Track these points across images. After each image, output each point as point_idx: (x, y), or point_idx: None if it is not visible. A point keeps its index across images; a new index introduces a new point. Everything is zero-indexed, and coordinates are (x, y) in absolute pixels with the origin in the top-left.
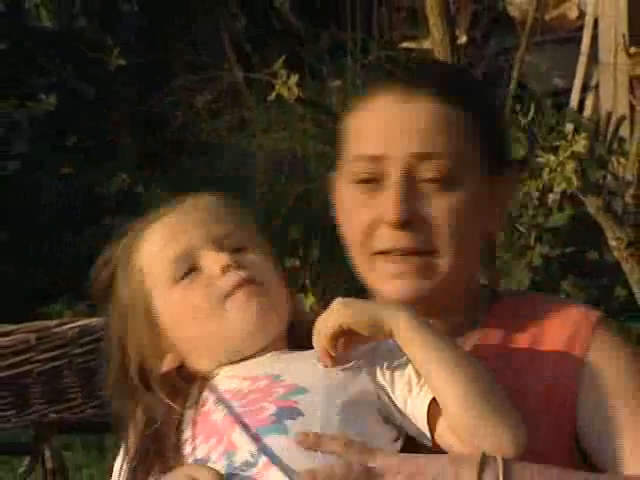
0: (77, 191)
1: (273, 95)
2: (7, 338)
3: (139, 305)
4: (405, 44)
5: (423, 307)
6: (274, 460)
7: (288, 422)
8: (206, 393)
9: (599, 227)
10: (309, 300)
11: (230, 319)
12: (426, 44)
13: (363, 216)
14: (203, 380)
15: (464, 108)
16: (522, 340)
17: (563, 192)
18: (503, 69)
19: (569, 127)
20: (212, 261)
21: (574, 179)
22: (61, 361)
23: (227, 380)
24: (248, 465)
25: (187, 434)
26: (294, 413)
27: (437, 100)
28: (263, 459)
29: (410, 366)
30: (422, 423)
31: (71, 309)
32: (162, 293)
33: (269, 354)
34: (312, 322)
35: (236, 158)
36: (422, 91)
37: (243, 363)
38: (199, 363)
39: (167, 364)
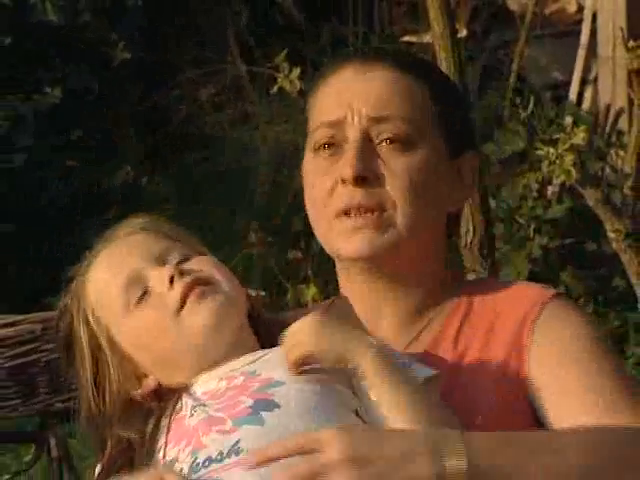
0: (82, 184)
1: (275, 88)
2: (13, 328)
3: (102, 343)
4: (406, 38)
5: (386, 284)
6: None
7: (264, 414)
8: (184, 399)
9: (598, 219)
10: (311, 291)
11: (187, 325)
12: (427, 38)
13: (325, 180)
14: (182, 390)
15: (418, 78)
16: (480, 323)
17: (562, 184)
18: (503, 62)
19: (568, 120)
20: (158, 278)
21: (573, 171)
22: None
23: (204, 384)
24: (211, 461)
25: (160, 442)
26: (270, 405)
27: (393, 69)
28: (231, 458)
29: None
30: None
31: None
32: (120, 324)
33: (243, 356)
34: (275, 322)
35: (239, 151)
36: (379, 63)
37: (218, 367)
38: (175, 378)
39: (145, 387)
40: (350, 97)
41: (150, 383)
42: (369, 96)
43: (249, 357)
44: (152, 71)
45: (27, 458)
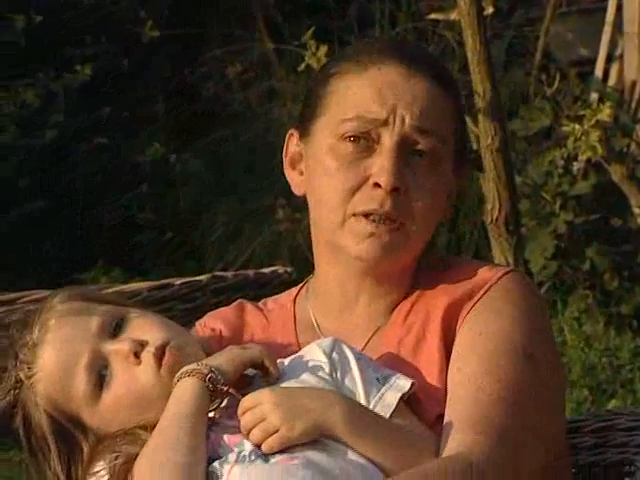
0: (112, 160)
1: (302, 66)
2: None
3: (70, 430)
4: (432, 15)
5: (372, 280)
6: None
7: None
8: None
9: (623, 194)
10: None
11: (165, 386)
12: (453, 15)
13: (349, 175)
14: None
15: (450, 96)
16: (436, 298)
17: (588, 160)
18: (529, 39)
19: (594, 96)
20: (118, 353)
21: (599, 147)
22: None
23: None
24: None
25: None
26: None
27: (434, 83)
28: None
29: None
30: None
31: (106, 275)
32: (90, 409)
33: None
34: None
35: (266, 128)
36: (423, 72)
37: None
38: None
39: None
40: (394, 100)
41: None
42: (413, 105)
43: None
44: (180, 49)
45: None
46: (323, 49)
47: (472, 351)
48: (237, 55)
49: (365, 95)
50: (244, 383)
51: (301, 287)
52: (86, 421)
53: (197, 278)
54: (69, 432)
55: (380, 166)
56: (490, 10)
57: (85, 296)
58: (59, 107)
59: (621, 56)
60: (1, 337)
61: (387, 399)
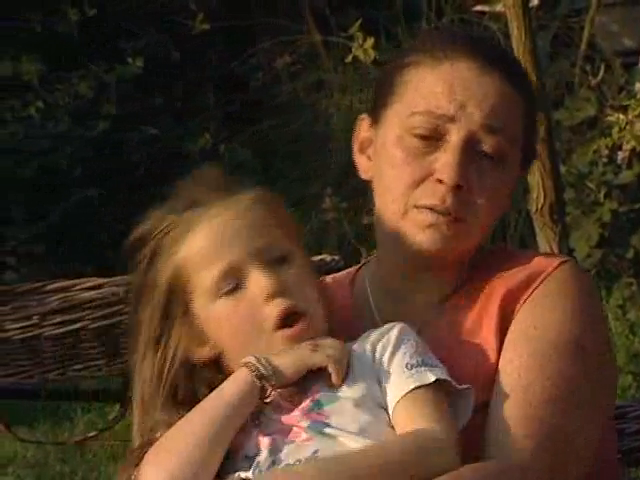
0: (163, 150)
1: (350, 58)
2: (98, 291)
3: (179, 300)
4: (478, 7)
5: (434, 271)
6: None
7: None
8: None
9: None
10: None
11: (268, 344)
12: (499, 7)
13: (415, 168)
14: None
15: (521, 95)
16: (493, 287)
17: (632, 150)
18: (574, 30)
19: (638, 86)
20: (257, 285)
21: None
22: None
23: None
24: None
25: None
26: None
27: (506, 81)
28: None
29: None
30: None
31: None
32: (204, 302)
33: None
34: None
35: (313, 118)
36: (496, 69)
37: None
38: (232, 361)
39: (203, 354)
40: (464, 97)
41: (209, 351)
42: (484, 103)
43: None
44: (230, 41)
45: (112, 416)
46: (370, 41)
47: (525, 344)
48: (285, 47)
49: (436, 89)
50: (303, 380)
51: (358, 268)
52: (193, 305)
53: None
54: (177, 301)
55: (444, 162)
56: (536, 2)
57: (271, 209)
58: (111, 98)
59: None
60: (57, 324)
61: (397, 388)
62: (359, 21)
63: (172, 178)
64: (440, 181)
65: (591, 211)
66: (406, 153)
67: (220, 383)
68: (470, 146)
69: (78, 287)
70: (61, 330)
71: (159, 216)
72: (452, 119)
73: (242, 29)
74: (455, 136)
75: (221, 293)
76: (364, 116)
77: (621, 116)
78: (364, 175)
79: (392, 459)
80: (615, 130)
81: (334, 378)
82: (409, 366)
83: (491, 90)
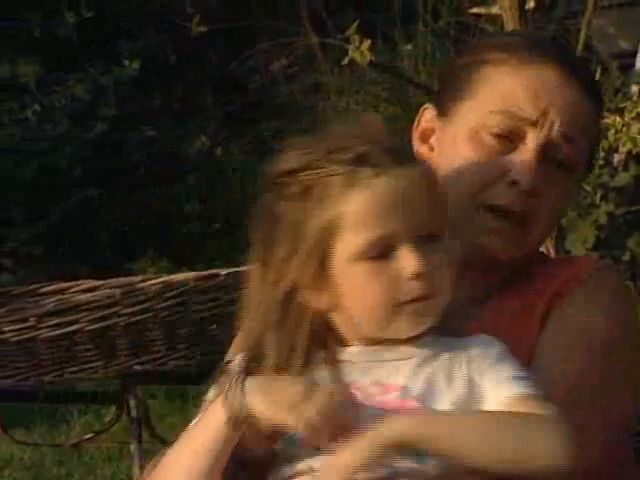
0: (162, 151)
1: (346, 60)
2: (94, 293)
3: (321, 249)
4: (475, 10)
5: (490, 264)
6: None
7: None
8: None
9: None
10: None
11: (396, 323)
12: (495, 9)
13: (489, 167)
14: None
15: (597, 105)
16: (538, 287)
17: (628, 152)
18: (570, 32)
19: (634, 89)
20: (407, 261)
21: (639, 139)
22: (145, 315)
23: (358, 371)
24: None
25: None
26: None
27: (586, 91)
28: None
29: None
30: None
31: (155, 265)
32: (344, 260)
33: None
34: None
35: (311, 120)
36: (579, 78)
37: (382, 350)
38: (345, 323)
39: (319, 303)
40: (548, 103)
41: (326, 303)
42: (566, 112)
43: (415, 360)
44: (228, 42)
45: (108, 418)
46: (366, 43)
47: (558, 342)
48: (283, 49)
49: (519, 92)
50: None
51: None
52: (328, 259)
53: (243, 268)
54: (319, 249)
55: (521, 165)
56: (532, 4)
57: (433, 185)
58: (109, 100)
59: None
60: (53, 326)
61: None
62: (356, 23)
63: (171, 179)
64: (514, 183)
65: (587, 213)
66: (480, 150)
67: (325, 337)
68: (546, 152)
69: (74, 289)
70: (57, 332)
71: (313, 155)
72: (533, 123)
73: (241, 31)
74: (534, 141)
75: (366, 257)
76: (428, 106)
77: (617, 118)
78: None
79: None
80: (611, 132)
81: (307, 442)
82: (517, 378)
83: (573, 100)
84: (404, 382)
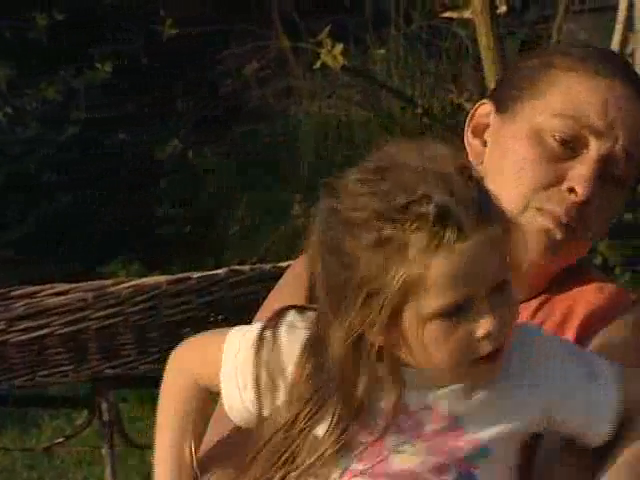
0: (134, 154)
1: (318, 63)
2: (65, 297)
3: (395, 303)
4: (447, 14)
5: (531, 269)
6: None
7: None
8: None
9: (634, 189)
10: None
11: (467, 377)
12: (467, 13)
13: (545, 171)
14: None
15: None
16: (571, 305)
17: None
18: (542, 37)
19: None
20: (482, 321)
21: None
22: (116, 319)
23: (414, 394)
24: None
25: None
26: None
27: None
28: None
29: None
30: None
31: (126, 269)
32: (419, 318)
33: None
34: None
35: (283, 124)
36: (637, 94)
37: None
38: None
39: (375, 338)
40: (615, 117)
41: (384, 341)
42: (631, 129)
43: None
44: (201, 46)
45: (79, 422)
46: (338, 47)
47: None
48: (255, 52)
49: (589, 100)
50: None
51: None
52: (401, 313)
53: (214, 272)
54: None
55: (582, 174)
56: (503, 8)
57: (507, 239)
58: (80, 103)
59: (632, 54)
60: (23, 330)
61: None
62: (328, 27)
63: (143, 182)
64: (571, 191)
65: None
66: (539, 153)
67: (375, 372)
68: (606, 165)
69: (45, 293)
70: (28, 336)
71: (390, 202)
72: (599, 134)
73: (214, 34)
74: (597, 151)
75: (440, 317)
76: (485, 101)
77: None
78: (474, 160)
79: None
80: None
81: None
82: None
83: (637, 117)
84: (453, 408)
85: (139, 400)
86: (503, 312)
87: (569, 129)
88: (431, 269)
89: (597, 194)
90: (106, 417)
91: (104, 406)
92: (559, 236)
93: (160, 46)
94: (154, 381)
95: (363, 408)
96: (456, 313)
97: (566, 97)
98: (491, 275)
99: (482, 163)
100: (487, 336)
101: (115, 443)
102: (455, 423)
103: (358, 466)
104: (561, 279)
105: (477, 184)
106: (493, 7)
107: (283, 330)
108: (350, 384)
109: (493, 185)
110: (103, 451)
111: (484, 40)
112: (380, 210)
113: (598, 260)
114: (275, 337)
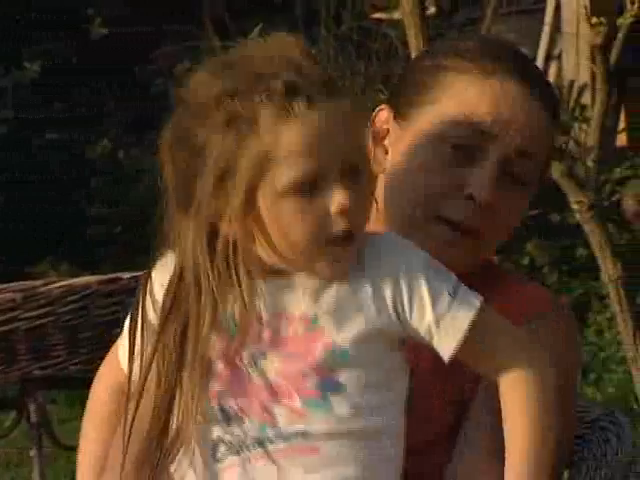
0: (64, 154)
1: None
2: None
3: (249, 179)
4: (376, 15)
5: None
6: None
7: (332, 398)
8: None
9: (562, 191)
10: None
11: (319, 262)
12: (396, 15)
13: (445, 177)
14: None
15: (554, 122)
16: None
17: None
18: None
19: None
20: (336, 196)
21: None
22: (46, 319)
23: (269, 302)
24: (280, 438)
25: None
26: (337, 387)
27: (546, 108)
28: (297, 441)
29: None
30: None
31: (55, 269)
32: (271, 194)
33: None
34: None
35: None
36: (541, 95)
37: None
38: (259, 248)
39: (229, 228)
40: (509, 118)
41: (239, 229)
42: (526, 128)
43: (318, 286)
44: (131, 46)
45: (7, 423)
46: None
47: None
48: (186, 52)
49: (482, 104)
50: None
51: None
52: (255, 192)
53: (146, 272)
54: (249, 183)
55: (479, 179)
56: (432, 10)
57: (363, 119)
58: (8, 102)
59: (559, 56)
60: None
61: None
62: (259, 27)
63: (73, 182)
64: (471, 197)
65: None
66: (438, 160)
67: (230, 273)
68: (504, 167)
69: None
70: None
71: (238, 81)
72: (493, 138)
73: (145, 34)
74: (493, 155)
75: (295, 192)
76: (384, 106)
77: None
78: (377, 169)
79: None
80: None
81: None
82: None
83: (534, 116)
84: (307, 310)
85: (68, 401)
86: (358, 196)
87: (463, 135)
88: (282, 140)
89: (499, 196)
90: (34, 418)
91: (32, 407)
92: (462, 245)
93: (90, 45)
94: (84, 382)
95: (217, 316)
96: (310, 190)
97: (459, 102)
98: (342, 150)
99: (384, 171)
100: (341, 212)
101: (43, 445)
102: (312, 325)
103: (215, 385)
104: (475, 281)
105: (324, 67)
106: (422, 9)
107: (157, 265)
108: (206, 286)
109: (399, 197)
110: (31, 452)
111: (414, 42)
112: (228, 89)
113: (526, 260)
114: (151, 278)
